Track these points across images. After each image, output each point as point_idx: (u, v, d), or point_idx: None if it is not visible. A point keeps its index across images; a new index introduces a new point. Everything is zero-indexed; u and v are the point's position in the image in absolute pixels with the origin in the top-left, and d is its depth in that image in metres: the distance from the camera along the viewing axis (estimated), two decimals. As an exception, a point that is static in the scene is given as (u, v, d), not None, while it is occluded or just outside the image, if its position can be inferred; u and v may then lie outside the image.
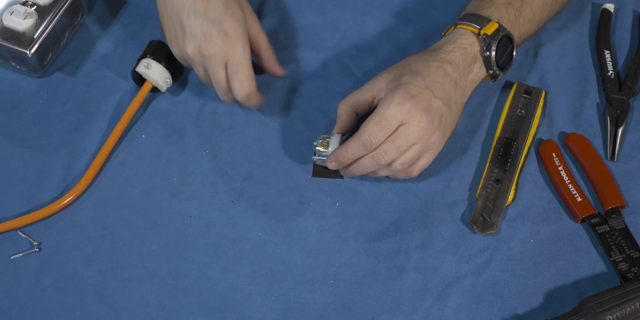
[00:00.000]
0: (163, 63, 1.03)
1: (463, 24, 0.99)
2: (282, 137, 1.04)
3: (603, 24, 1.11)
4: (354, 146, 0.95)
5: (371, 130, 0.93)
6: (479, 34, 0.98)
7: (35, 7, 1.03)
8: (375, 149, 0.94)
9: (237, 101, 1.02)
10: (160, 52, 1.04)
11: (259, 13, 1.12)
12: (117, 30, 1.10)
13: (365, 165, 0.96)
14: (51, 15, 1.03)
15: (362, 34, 1.11)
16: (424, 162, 0.97)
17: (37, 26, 1.02)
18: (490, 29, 0.98)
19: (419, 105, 0.93)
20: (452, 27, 1.01)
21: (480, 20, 0.99)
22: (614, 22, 1.13)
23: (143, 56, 1.04)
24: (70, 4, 1.04)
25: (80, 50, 1.09)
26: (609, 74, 1.08)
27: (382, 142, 0.94)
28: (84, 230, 0.98)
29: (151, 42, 1.06)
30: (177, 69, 1.06)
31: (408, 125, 0.93)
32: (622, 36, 1.12)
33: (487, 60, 0.98)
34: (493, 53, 0.98)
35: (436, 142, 0.96)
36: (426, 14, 1.13)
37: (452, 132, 0.99)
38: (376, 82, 0.97)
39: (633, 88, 1.07)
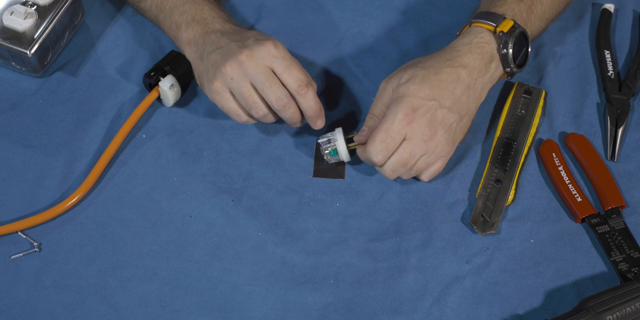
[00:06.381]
0: (181, 83, 1.03)
1: (479, 22, 0.99)
2: (282, 137, 1.04)
3: (603, 24, 1.11)
4: (364, 158, 0.96)
5: (377, 149, 0.94)
6: (494, 32, 0.98)
7: (35, 7, 1.03)
8: (384, 165, 0.95)
9: (275, 116, 0.99)
10: (180, 67, 1.03)
11: (259, 13, 1.12)
12: (117, 30, 1.10)
13: (380, 171, 0.98)
14: (51, 15, 1.03)
15: (362, 34, 1.11)
16: (435, 169, 0.98)
17: (37, 26, 1.02)
18: (506, 26, 0.98)
19: (421, 118, 0.93)
20: (467, 26, 1.01)
21: (495, 17, 0.99)
22: (614, 22, 1.13)
23: (162, 66, 1.03)
24: (70, 4, 1.04)
25: (80, 50, 1.09)
26: (609, 74, 1.08)
27: (389, 159, 0.95)
28: (85, 230, 0.98)
29: (172, 52, 1.04)
30: (184, 87, 1.06)
31: (411, 140, 0.94)
32: (622, 36, 1.12)
33: (504, 58, 0.98)
34: (510, 50, 0.98)
35: (444, 151, 0.96)
36: (427, 13, 1.13)
37: (463, 137, 0.99)
38: (390, 82, 0.97)
39: (633, 88, 1.07)
